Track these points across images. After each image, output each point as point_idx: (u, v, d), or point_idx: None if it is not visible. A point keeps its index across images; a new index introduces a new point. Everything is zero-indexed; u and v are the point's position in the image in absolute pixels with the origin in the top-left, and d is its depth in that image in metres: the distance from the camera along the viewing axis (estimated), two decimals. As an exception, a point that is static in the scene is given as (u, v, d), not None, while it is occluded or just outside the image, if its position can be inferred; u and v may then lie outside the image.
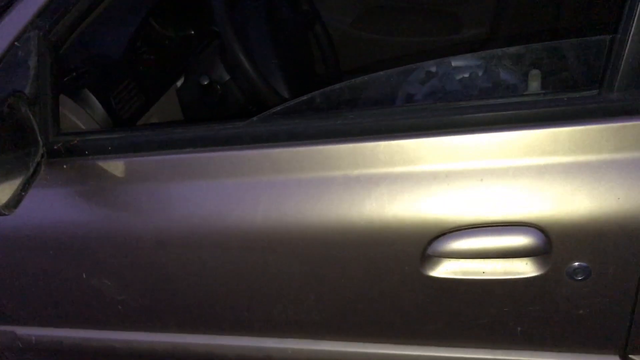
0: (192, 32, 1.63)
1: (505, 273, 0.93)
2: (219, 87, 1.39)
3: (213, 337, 1.13)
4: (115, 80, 1.29)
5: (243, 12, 1.42)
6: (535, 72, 0.98)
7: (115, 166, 1.06)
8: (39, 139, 1.02)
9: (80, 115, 1.20)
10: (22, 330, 1.23)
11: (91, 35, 1.17)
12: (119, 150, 1.06)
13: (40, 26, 1.05)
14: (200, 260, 1.05)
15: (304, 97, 1.01)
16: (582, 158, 0.88)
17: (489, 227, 0.91)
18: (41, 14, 1.04)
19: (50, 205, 1.08)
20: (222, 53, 1.39)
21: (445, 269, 0.95)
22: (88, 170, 1.06)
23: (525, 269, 0.92)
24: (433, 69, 1.61)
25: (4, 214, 0.91)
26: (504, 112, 0.91)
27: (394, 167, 0.93)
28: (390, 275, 0.97)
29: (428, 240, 0.93)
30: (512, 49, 1.02)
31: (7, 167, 0.93)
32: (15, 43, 1.06)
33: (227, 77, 1.39)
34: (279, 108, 1.02)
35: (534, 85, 0.98)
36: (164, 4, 1.52)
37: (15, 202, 0.94)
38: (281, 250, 1.00)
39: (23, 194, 0.96)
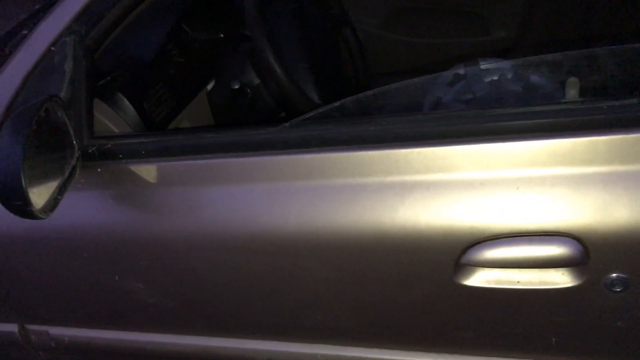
0: (222, 36, 1.63)
1: (541, 283, 0.92)
2: (249, 90, 1.39)
3: (243, 341, 1.14)
4: (147, 84, 1.30)
5: (273, 15, 1.42)
6: (573, 80, 0.96)
7: (149, 170, 1.06)
8: (74, 142, 1.04)
9: (114, 119, 1.21)
10: (56, 330, 1.24)
11: (124, 39, 1.18)
12: (152, 154, 1.06)
13: (77, 31, 1.06)
14: (231, 265, 1.05)
15: (337, 103, 1.01)
16: (621, 167, 0.86)
17: (525, 237, 0.90)
18: (78, 18, 1.06)
19: (85, 209, 1.09)
20: (253, 57, 1.39)
21: (479, 278, 0.94)
22: (122, 174, 1.07)
23: (561, 279, 0.91)
24: (461, 72, 1.59)
25: (41, 218, 0.92)
26: (541, 120, 0.89)
27: (428, 174, 0.93)
28: (422, 283, 0.97)
29: (462, 249, 0.92)
30: (549, 56, 1.01)
31: (44, 170, 0.94)
32: (52, 48, 1.08)
33: (257, 81, 1.39)
34: (311, 114, 1.01)
35: (572, 92, 0.96)
36: (194, 8, 1.53)
37: (51, 205, 0.95)
38: (312, 256, 1.00)
39: (59, 197, 0.97)
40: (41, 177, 0.94)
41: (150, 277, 1.10)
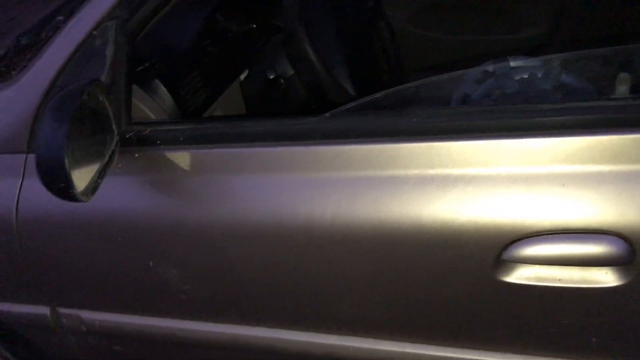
0: (254, 26, 1.63)
1: (583, 281, 0.90)
2: (282, 81, 1.39)
3: (275, 331, 1.13)
4: (184, 73, 1.30)
5: (310, 7, 1.41)
6: (624, 76, 0.94)
7: (186, 157, 1.06)
8: (114, 127, 1.04)
9: (150, 106, 1.21)
10: (87, 314, 1.25)
11: (161, 27, 1.17)
12: (190, 141, 1.06)
13: (119, 16, 1.07)
14: (267, 254, 1.05)
15: (379, 94, 1.00)
16: (670, 166, 0.84)
17: (569, 234, 0.89)
18: (120, 3, 1.06)
19: (121, 194, 1.09)
20: (288, 47, 1.38)
21: (519, 275, 0.93)
22: (159, 160, 1.07)
23: (604, 278, 0.89)
24: (490, 69, 1.57)
25: (82, 201, 0.92)
26: (589, 116, 0.88)
27: (471, 168, 0.92)
28: (461, 278, 0.96)
29: (504, 245, 0.91)
30: (601, 50, 0.99)
31: (85, 154, 0.95)
32: (93, 32, 1.08)
33: (291, 72, 1.39)
34: (352, 104, 1.01)
35: (623, 89, 0.94)
36: None
37: (92, 189, 0.95)
38: (349, 247, 0.99)
39: (99, 181, 0.98)
40: (82, 161, 0.94)
41: (184, 264, 1.10)
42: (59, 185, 0.88)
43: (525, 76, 1.36)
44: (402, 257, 0.97)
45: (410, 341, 1.06)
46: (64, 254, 1.17)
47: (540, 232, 0.89)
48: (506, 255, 0.91)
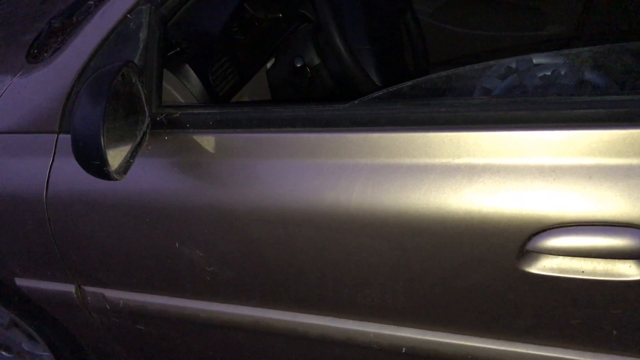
0: (280, 15, 1.64)
1: (606, 274, 0.91)
2: (308, 70, 1.40)
3: (296, 315, 1.15)
4: (213, 58, 1.32)
5: (339, -4, 1.43)
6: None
7: (215, 141, 1.08)
8: (145, 109, 1.06)
9: (180, 90, 1.23)
10: (111, 293, 1.28)
11: (192, 13, 1.19)
12: (219, 125, 1.08)
13: (153, 0, 1.08)
14: (292, 238, 1.06)
15: (407, 83, 1.01)
16: (699, 162, 0.85)
17: (594, 226, 0.89)
18: (155, -13, 1.08)
19: (151, 175, 1.11)
20: (316, 36, 1.40)
21: (542, 266, 0.94)
22: (189, 143, 1.09)
23: (628, 271, 0.90)
24: (513, 65, 1.57)
25: (115, 179, 0.94)
26: (618, 109, 0.88)
27: (498, 158, 0.92)
28: (484, 267, 0.97)
29: (528, 236, 0.92)
30: (626, 45, 0.99)
31: (119, 134, 0.97)
32: (128, 15, 1.10)
33: (317, 61, 1.40)
34: (380, 92, 1.02)
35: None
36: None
37: (124, 168, 0.98)
38: (374, 234, 1.00)
39: (131, 161, 1.00)
40: (116, 140, 0.96)
41: (210, 246, 1.12)
42: (94, 162, 0.91)
43: (548, 73, 1.36)
44: (426, 245, 0.98)
45: (431, 329, 1.08)
46: (92, 232, 1.19)
47: (565, 223, 0.90)
48: (530, 246, 0.92)
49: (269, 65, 1.53)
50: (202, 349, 1.33)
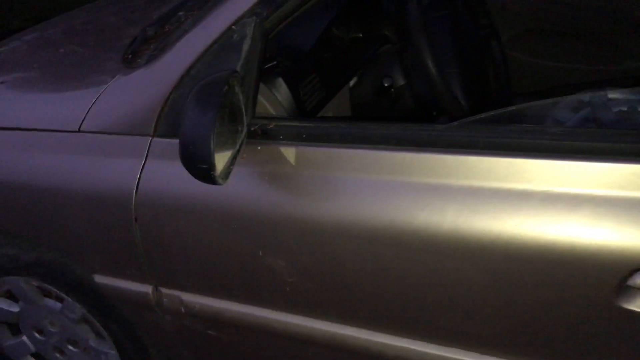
0: (360, 35, 1.67)
1: None
2: (392, 90, 1.42)
3: (374, 334, 1.14)
4: (303, 73, 1.34)
5: (429, 20, 1.44)
6: None
7: (307, 154, 1.10)
8: (244, 118, 1.08)
9: (272, 102, 1.26)
10: (188, 297, 1.29)
11: (287, 28, 1.22)
12: (312, 139, 1.10)
13: (259, 13, 1.11)
14: (377, 256, 1.06)
15: (511, 108, 1.01)
16: None
17: (703, 266, 0.87)
18: (262, 1, 1.11)
19: (241, 183, 1.13)
20: (403, 58, 1.41)
21: (644, 303, 0.91)
22: (280, 155, 1.11)
23: None
24: (586, 98, 1.55)
25: (220, 184, 0.96)
26: None
27: (602, 189, 0.91)
28: (578, 300, 0.95)
29: (630, 270, 0.89)
30: None
31: (223, 140, 0.99)
32: (232, 27, 1.13)
33: (402, 82, 1.41)
34: (481, 116, 1.02)
35: None
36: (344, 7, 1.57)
37: (226, 173, 1.00)
38: (464, 258, 1.00)
39: (231, 167, 1.02)
40: (220, 146, 0.98)
41: (293, 257, 1.13)
42: (202, 166, 0.93)
43: (624, 109, 1.34)
44: (518, 273, 0.97)
45: (517, 358, 1.06)
46: (176, 235, 1.22)
47: (672, 261, 0.87)
48: (632, 281, 0.90)
49: (351, 83, 1.55)
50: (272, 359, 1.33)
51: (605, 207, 0.90)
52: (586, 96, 1.72)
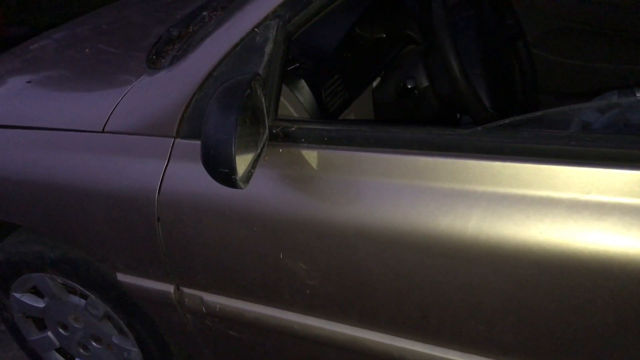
0: (384, 36, 1.65)
1: None
2: (416, 92, 1.40)
3: (394, 338, 1.14)
4: (326, 75, 1.33)
5: (454, 20, 1.42)
6: None
7: (329, 156, 1.09)
8: (266, 121, 1.08)
9: (294, 104, 1.26)
10: (209, 297, 1.30)
11: (310, 30, 1.21)
12: (334, 142, 1.09)
13: (281, 15, 1.11)
14: (399, 260, 1.05)
15: (538, 113, 0.99)
16: None
17: None
18: (285, 4, 1.10)
19: (263, 185, 1.13)
20: (427, 59, 1.39)
21: (671, 315, 0.89)
22: (302, 157, 1.11)
23: None
24: (615, 99, 1.52)
25: (241, 188, 0.96)
26: None
27: (630, 198, 0.89)
28: (604, 309, 0.93)
29: (661, 282, 0.87)
30: None
31: (245, 143, 0.99)
32: (255, 29, 1.13)
33: (426, 83, 1.39)
34: (505, 121, 1.00)
35: None
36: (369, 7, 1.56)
37: (247, 177, 1.00)
38: (488, 264, 0.98)
39: (252, 171, 1.02)
40: (242, 150, 0.98)
41: (314, 260, 1.12)
42: (223, 170, 0.93)
43: None
44: (543, 281, 0.95)
45: (537, 367, 1.04)
46: (199, 236, 1.22)
47: None
48: (661, 292, 0.88)
49: (374, 84, 1.54)
50: (292, 361, 1.34)
51: (633, 216, 0.88)
52: (614, 97, 1.69)
